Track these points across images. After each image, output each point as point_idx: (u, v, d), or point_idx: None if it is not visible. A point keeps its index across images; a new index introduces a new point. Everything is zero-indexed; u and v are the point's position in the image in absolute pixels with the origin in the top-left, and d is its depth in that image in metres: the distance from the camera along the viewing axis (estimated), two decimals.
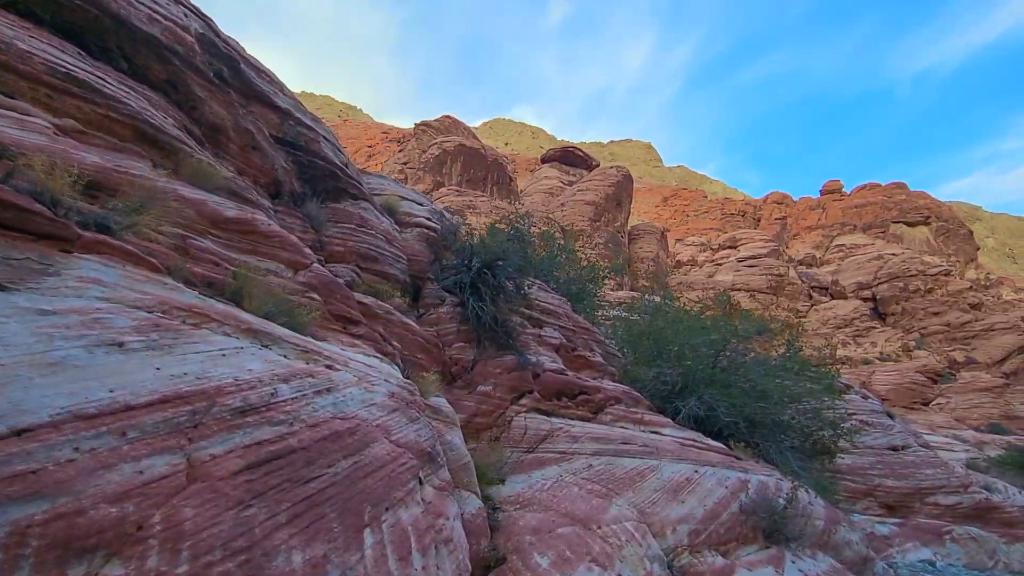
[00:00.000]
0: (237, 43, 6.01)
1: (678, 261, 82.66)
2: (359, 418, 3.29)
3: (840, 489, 14.25)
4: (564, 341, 8.37)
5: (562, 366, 7.42)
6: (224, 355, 2.93)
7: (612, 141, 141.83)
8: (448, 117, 65.58)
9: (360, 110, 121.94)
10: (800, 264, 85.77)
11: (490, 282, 6.89)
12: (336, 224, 6.29)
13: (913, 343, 67.16)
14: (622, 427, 7.19)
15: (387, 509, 3.03)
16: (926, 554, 12.32)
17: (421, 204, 8.01)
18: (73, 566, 1.72)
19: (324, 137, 6.70)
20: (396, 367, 4.38)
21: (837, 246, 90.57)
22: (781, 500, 7.07)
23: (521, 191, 69.60)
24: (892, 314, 73.08)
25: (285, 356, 3.32)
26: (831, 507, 8.79)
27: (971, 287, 74.60)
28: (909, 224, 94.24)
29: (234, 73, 5.73)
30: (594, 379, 8.41)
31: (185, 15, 5.38)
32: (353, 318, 4.58)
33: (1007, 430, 41.21)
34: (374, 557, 2.74)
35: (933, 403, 52.28)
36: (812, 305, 76.10)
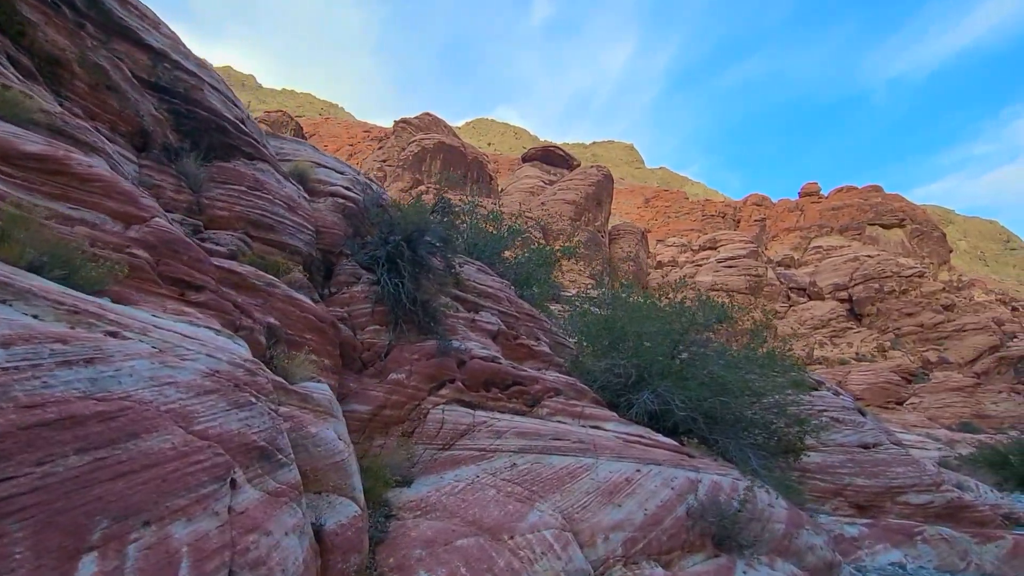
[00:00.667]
0: None
1: (659, 262, 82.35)
2: (134, 399, 2.42)
3: (808, 489, 13.55)
4: (503, 328, 7.52)
5: (495, 354, 6.56)
6: None
7: (595, 142, 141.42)
8: (428, 115, 64.58)
9: (342, 108, 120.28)
10: (778, 265, 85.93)
11: (409, 257, 6.02)
12: (222, 185, 5.36)
13: (888, 343, 67.41)
14: (558, 421, 6.35)
15: (147, 524, 2.16)
16: (896, 556, 11.63)
17: (341, 172, 7.11)
18: None
19: (212, 86, 5.76)
20: (242, 344, 3.51)
21: (815, 248, 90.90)
22: (735, 503, 6.28)
23: (502, 190, 68.78)
24: (868, 315, 73.36)
25: (35, 316, 2.44)
26: (795, 509, 8.02)
27: (944, 289, 75.14)
28: (885, 226, 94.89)
29: (90, 2, 4.81)
30: (537, 370, 7.57)
31: None
32: (195, 283, 3.69)
33: (978, 429, 41.21)
34: None
35: (907, 402, 52.35)
36: (790, 306, 76.22)
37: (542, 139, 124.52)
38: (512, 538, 4.38)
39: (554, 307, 10.74)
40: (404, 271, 5.97)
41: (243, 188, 5.52)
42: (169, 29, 5.76)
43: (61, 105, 4.26)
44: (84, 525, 1.97)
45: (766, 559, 6.52)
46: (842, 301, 75.90)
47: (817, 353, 65.39)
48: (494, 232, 9.53)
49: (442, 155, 59.66)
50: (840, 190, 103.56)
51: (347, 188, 6.79)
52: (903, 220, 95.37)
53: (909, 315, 71.04)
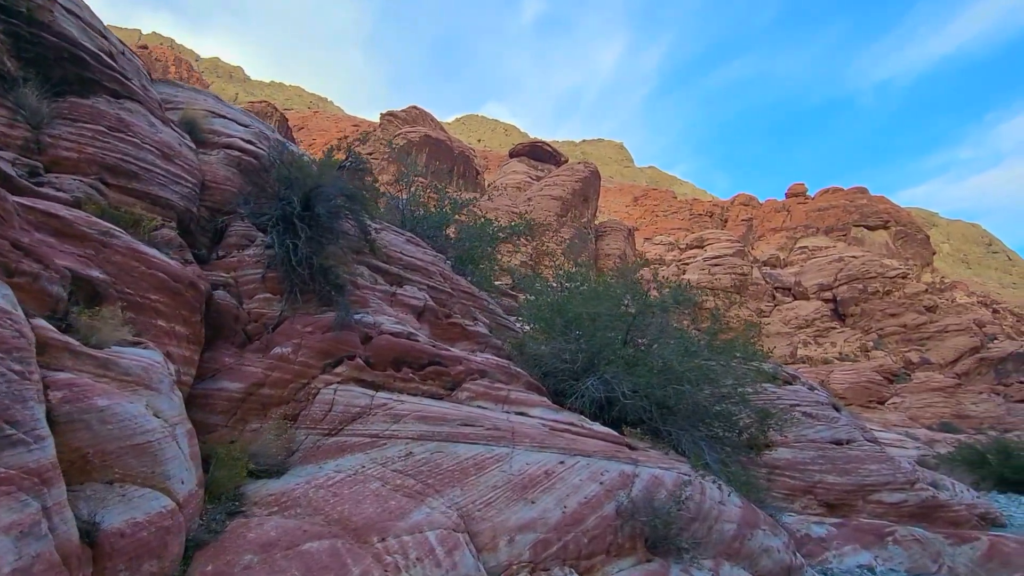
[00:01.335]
0: None
1: (646, 260, 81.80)
2: None
3: (777, 486, 12.85)
4: (432, 304, 6.70)
5: (411, 330, 5.75)
6: None
7: (584, 140, 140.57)
8: (415, 108, 63.59)
9: (331, 103, 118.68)
10: (764, 265, 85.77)
11: (307, 218, 5.18)
12: (73, 123, 4.50)
13: (871, 343, 67.33)
14: (477, 406, 5.56)
15: None
16: (866, 558, 10.93)
17: (246, 125, 6.25)
18: None
19: (66, 9, 4.88)
20: (4, 290, 2.68)
21: (800, 248, 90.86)
22: (685, 501, 5.51)
23: (489, 185, 67.94)
24: (851, 315, 73.30)
25: None
26: (751, 507, 7.26)
27: (927, 290, 75.21)
28: (870, 228, 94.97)
29: None
30: (471, 352, 6.77)
31: None
32: None
33: (958, 429, 40.93)
34: None
35: (889, 402, 52.18)
36: (775, 305, 76.05)
37: (532, 136, 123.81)
38: (383, 540, 3.58)
39: (523, 297, 9.95)
40: (301, 233, 5.15)
41: (100, 128, 4.66)
42: None
43: None
44: None
45: (710, 563, 5.75)
46: (826, 301, 75.86)
47: (801, 352, 65.22)
48: (436, 208, 8.69)
49: (428, 148, 58.76)
50: (826, 191, 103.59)
51: (249, 141, 5.92)
52: (888, 222, 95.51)
53: (892, 316, 71.06)
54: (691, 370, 8.04)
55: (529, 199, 62.32)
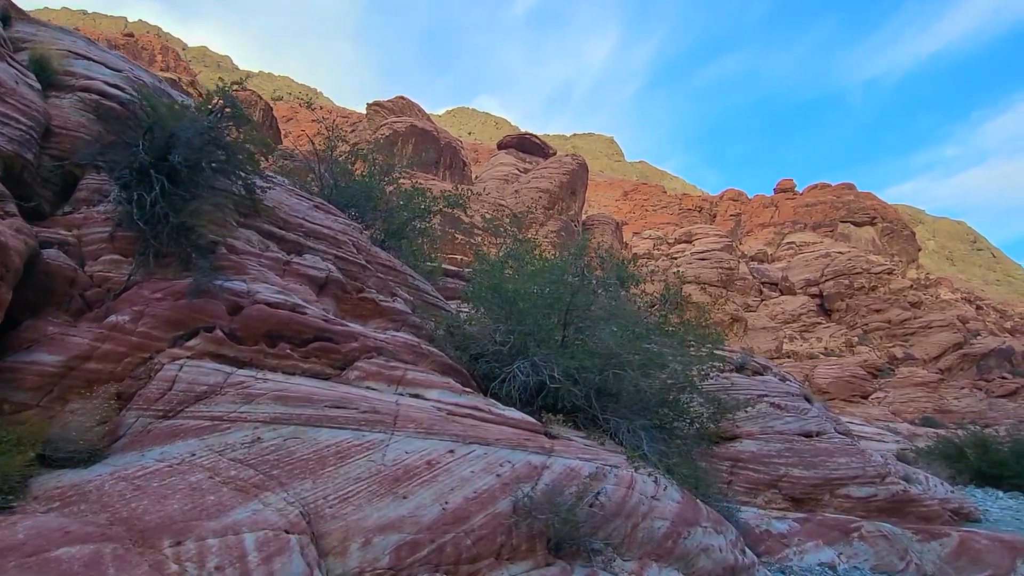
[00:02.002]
0: None
1: (635, 254, 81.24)
2: None
3: (741, 480, 12.20)
4: (338, 276, 5.94)
5: (298, 301, 4.99)
6: None
7: (575, 134, 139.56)
8: (402, 98, 62.53)
9: (321, 94, 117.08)
10: (752, 260, 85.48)
11: (167, 170, 4.41)
12: None
13: (856, 339, 67.16)
14: (366, 387, 4.82)
15: None
16: (829, 555, 10.28)
17: (118, 70, 5.45)
18: None
19: None
20: None
21: (788, 243, 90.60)
22: (599, 496, 4.81)
23: (476, 177, 67.05)
24: (837, 310, 73.15)
25: None
26: (692, 503, 6.57)
27: (912, 286, 75.09)
28: (856, 224, 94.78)
29: None
30: (383, 330, 6.03)
31: None
32: None
33: (939, 423, 40.64)
34: None
35: (872, 396, 52.00)
36: (762, 300, 75.75)
37: (523, 130, 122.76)
38: (178, 544, 2.85)
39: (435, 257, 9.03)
40: (155, 185, 4.38)
41: None
42: None
43: None
44: None
45: (634, 565, 5.05)
46: (813, 296, 75.66)
47: (787, 347, 64.98)
48: (361, 175, 7.87)
49: (414, 139, 57.73)
50: (814, 187, 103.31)
51: (113, 85, 5.14)
52: (874, 218, 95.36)
53: (877, 311, 70.94)
54: (635, 354, 7.34)
55: (516, 191, 61.52)
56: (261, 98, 44.68)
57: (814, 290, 75.97)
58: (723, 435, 12.91)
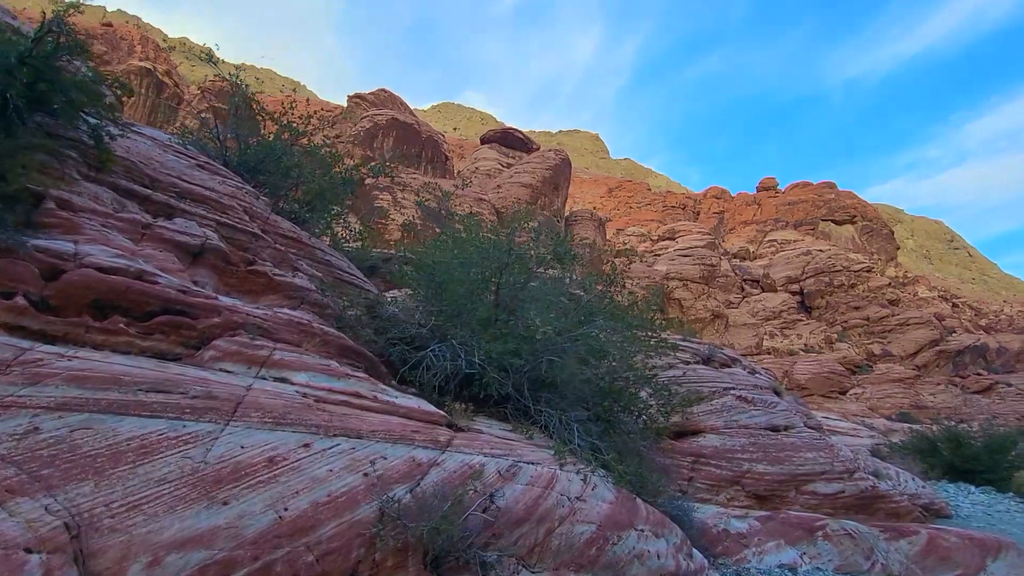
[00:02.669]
0: None
1: (618, 251, 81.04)
2: None
3: (702, 476, 11.48)
4: (220, 245, 5.10)
5: (145, 268, 4.14)
6: None
7: (561, 131, 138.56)
8: (384, 91, 61.38)
9: (304, 86, 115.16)
10: (734, 257, 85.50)
11: None
12: None
13: (835, 335, 67.30)
14: (219, 368, 3.99)
15: None
16: (790, 556, 9.59)
17: None
18: None
19: None
20: None
21: (770, 241, 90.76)
22: (494, 499, 4.01)
23: (459, 172, 66.04)
24: (817, 307, 73.32)
25: None
26: (629, 503, 5.80)
27: (890, 284, 75.42)
28: (837, 222, 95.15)
29: None
30: (277, 307, 5.20)
31: None
32: None
33: (915, 419, 40.55)
34: None
35: (850, 392, 52.01)
36: (744, 297, 75.83)
37: (508, 125, 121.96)
38: None
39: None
40: None
41: None
42: None
43: None
44: None
45: None
46: (793, 294, 75.80)
47: (767, 344, 64.96)
48: (272, 138, 6.97)
49: (395, 132, 56.66)
50: (796, 185, 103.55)
51: None
52: (854, 217, 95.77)
53: (856, 308, 71.16)
54: (571, 339, 6.55)
55: (499, 186, 60.62)
56: (239, 87, 43.27)
57: (795, 287, 76.13)
58: (685, 430, 12.20)
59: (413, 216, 41.38)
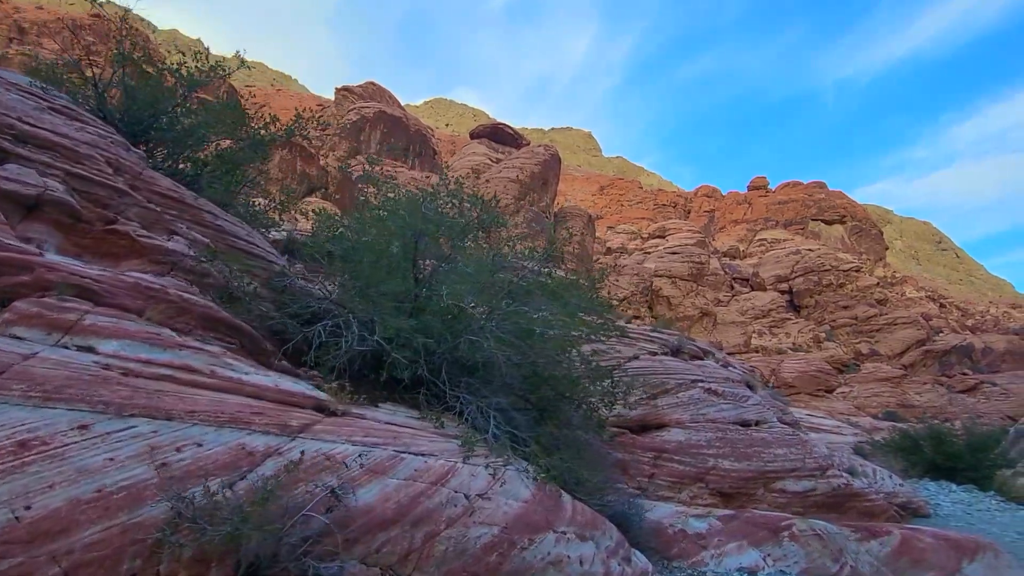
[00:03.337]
0: None
1: (608, 248, 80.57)
2: None
3: (663, 473, 10.75)
4: (68, 199, 4.31)
5: None
6: None
7: (553, 128, 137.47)
8: (372, 83, 60.43)
9: (296, 81, 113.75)
10: (724, 256, 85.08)
11: None
12: None
13: (823, 334, 66.95)
14: (11, 334, 3.23)
15: None
16: (752, 558, 8.86)
17: None
18: None
19: None
20: None
21: (759, 240, 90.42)
22: (337, 494, 3.25)
23: (448, 166, 65.18)
24: (806, 306, 72.99)
25: None
26: (550, 501, 5.03)
27: (878, 284, 75.14)
28: (826, 222, 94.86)
29: None
30: (142, 272, 4.43)
31: None
32: None
33: (902, 418, 40.12)
34: None
35: (837, 391, 51.62)
36: (733, 295, 75.40)
37: (499, 121, 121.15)
38: None
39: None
40: None
41: None
42: None
43: None
44: None
45: None
46: (782, 293, 75.45)
47: (755, 342, 64.51)
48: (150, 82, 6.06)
49: (383, 125, 55.79)
50: (786, 185, 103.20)
51: None
52: (844, 217, 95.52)
53: (844, 308, 70.86)
54: (498, 319, 5.79)
55: (487, 181, 59.79)
56: (225, 79, 42.40)
57: (784, 286, 75.79)
58: (648, 423, 11.49)
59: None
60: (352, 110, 54.58)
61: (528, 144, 69.02)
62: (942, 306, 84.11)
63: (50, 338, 3.29)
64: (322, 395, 4.20)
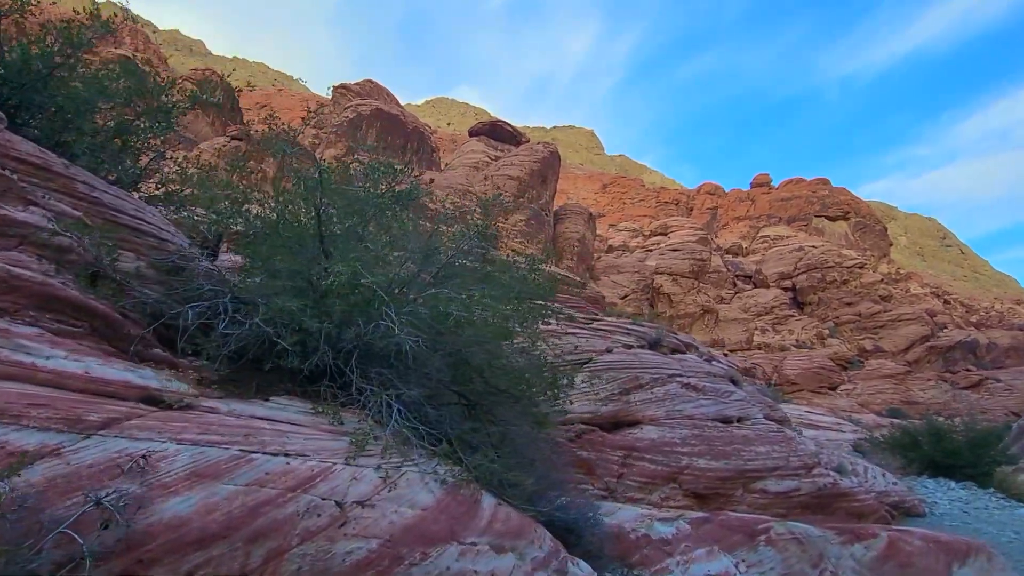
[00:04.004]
0: None
1: (610, 245, 79.90)
2: None
3: (634, 473, 10.02)
4: None
5: None
6: None
7: (555, 127, 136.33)
8: (369, 81, 59.94)
9: (298, 81, 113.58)
10: (727, 253, 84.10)
11: None
12: None
13: (827, 331, 66.03)
14: None
15: None
16: (723, 564, 8.09)
17: None
18: None
19: None
20: None
21: (763, 237, 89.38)
22: (149, 506, 2.60)
23: (446, 164, 64.54)
24: (809, 303, 72.02)
25: None
26: (461, 508, 4.34)
27: (883, 280, 73.98)
28: (830, 219, 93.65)
29: None
30: None
31: None
32: None
33: (905, 414, 39.22)
34: None
35: (840, 388, 50.81)
36: (736, 292, 74.50)
37: (498, 118, 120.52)
38: None
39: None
40: None
41: None
42: None
43: None
44: None
45: None
46: (786, 290, 74.48)
47: (758, 339, 63.67)
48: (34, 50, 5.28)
49: (379, 123, 55.22)
50: (789, 182, 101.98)
51: None
52: (848, 213, 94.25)
53: (848, 304, 69.87)
54: (416, 303, 5.11)
55: (486, 178, 59.12)
56: (221, 78, 42.17)
57: (787, 283, 74.87)
58: (620, 420, 10.77)
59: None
60: (349, 107, 54.08)
61: (527, 141, 68.26)
62: (946, 302, 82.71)
63: None
64: (162, 384, 3.54)
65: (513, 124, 72.03)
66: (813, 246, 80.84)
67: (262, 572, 3.05)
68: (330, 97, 63.66)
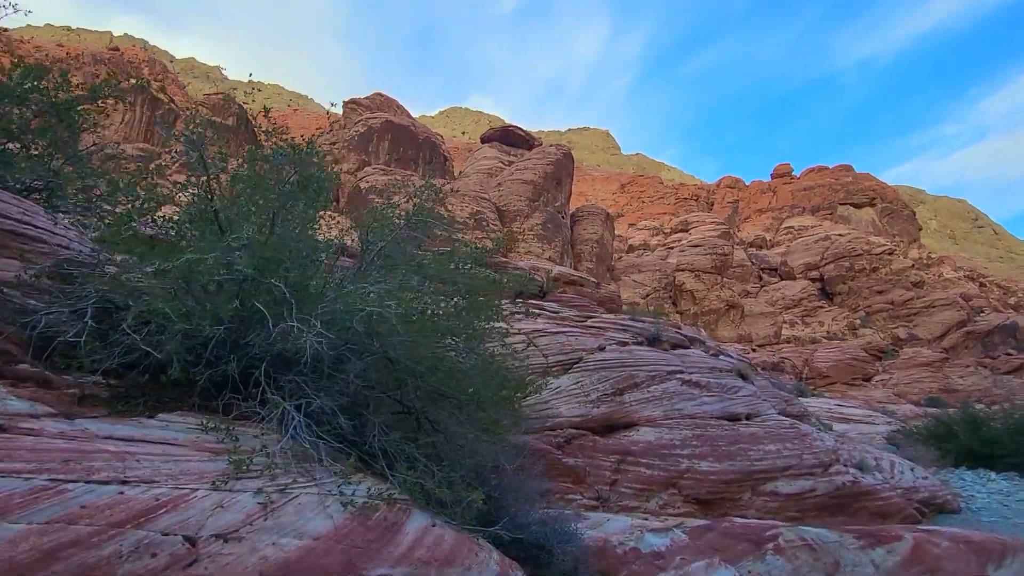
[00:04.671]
0: None
1: (630, 245, 78.64)
2: None
3: (628, 479, 9.20)
4: None
5: None
6: None
7: (570, 129, 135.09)
8: (379, 95, 60.13)
9: (312, 100, 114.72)
10: (750, 246, 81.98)
11: None
12: None
13: (858, 321, 63.69)
14: None
15: None
16: None
17: None
18: None
19: None
20: None
21: (786, 228, 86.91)
22: None
23: (460, 173, 64.30)
24: (839, 293, 69.57)
25: None
26: (375, 533, 3.68)
27: (913, 266, 71.06)
28: (856, 206, 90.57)
29: None
30: None
31: None
32: None
33: (944, 403, 37.21)
34: None
35: (876, 379, 48.79)
36: (762, 286, 72.49)
37: (511, 123, 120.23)
38: None
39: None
40: None
41: None
42: None
43: None
44: None
45: None
46: (813, 280, 72.10)
47: (787, 332, 61.73)
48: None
49: (390, 135, 55.25)
50: (811, 170, 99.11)
51: None
52: (874, 199, 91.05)
53: (879, 293, 67.23)
54: (325, 299, 4.51)
55: (499, 184, 58.66)
56: (235, 101, 42.72)
57: (815, 274, 72.49)
58: (614, 423, 9.97)
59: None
60: (359, 121, 54.25)
61: (540, 144, 67.61)
62: (982, 285, 79.03)
63: None
64: None
65: (527, 129, 71.53)
66: (839, 234, 78.17)
67: None
68: (341, 113, 64.06)
